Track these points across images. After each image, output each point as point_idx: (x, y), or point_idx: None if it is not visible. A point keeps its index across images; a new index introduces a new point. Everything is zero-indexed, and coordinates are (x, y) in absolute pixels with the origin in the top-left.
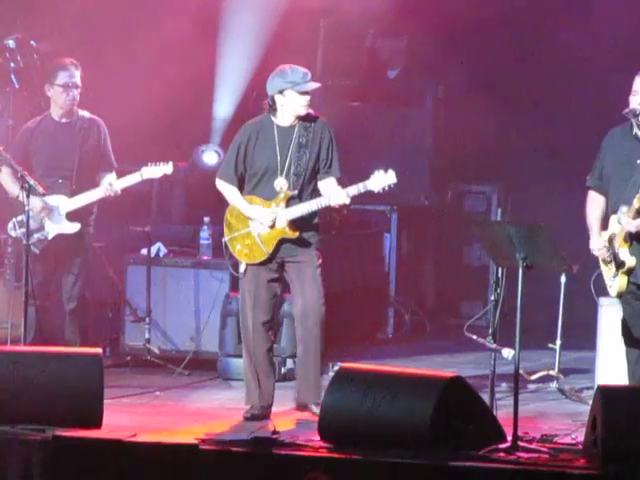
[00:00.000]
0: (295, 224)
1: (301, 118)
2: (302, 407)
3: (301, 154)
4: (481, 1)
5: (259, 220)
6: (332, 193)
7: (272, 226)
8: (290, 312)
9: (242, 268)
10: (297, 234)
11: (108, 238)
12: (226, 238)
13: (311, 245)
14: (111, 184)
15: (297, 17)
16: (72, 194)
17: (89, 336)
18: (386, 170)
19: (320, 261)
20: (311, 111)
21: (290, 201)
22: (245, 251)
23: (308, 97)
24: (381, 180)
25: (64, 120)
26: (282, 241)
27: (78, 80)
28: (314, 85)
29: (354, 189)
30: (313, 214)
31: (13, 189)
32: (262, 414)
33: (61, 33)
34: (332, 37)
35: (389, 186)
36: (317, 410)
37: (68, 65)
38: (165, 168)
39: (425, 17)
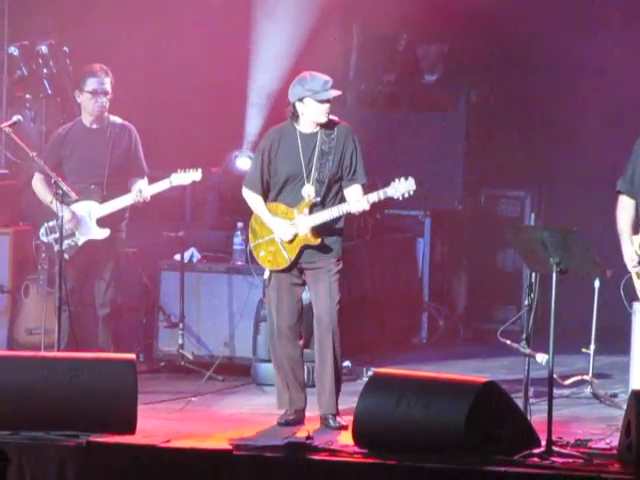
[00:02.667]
0: (318, 231)
1: (324, 125)
2: (321, 419)
3: (324, 161)
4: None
5: (280, 234)
6: (353, 200)
7: (295, 233)
8: None
9: (266, 274)
10: (319, 241)
11: (141, 244)
12: (251, 245)
13: (332, 251)
14: (141, 190)
15: (330, 23)
16: (103, 200)
17: (122, 342)
18: (406, 177)
19: (339, 268)
20: (334, 117)
21: (313, 208)
22: (269, 258)
23: (328, 105)
24: (401, 187)
25: (95, 126)
26: (304, 247)
27: (108, 86)
28: (334, 93)
29: (374, 196)
30: (336, 220)
31: (45, 195)
32: (295, 419)
33: (90, 38)
34: (365, 42)
35: (409, 193)
36: (334, 423)
37: (98, 71)
38: (194, 175)
39: (459, 22)
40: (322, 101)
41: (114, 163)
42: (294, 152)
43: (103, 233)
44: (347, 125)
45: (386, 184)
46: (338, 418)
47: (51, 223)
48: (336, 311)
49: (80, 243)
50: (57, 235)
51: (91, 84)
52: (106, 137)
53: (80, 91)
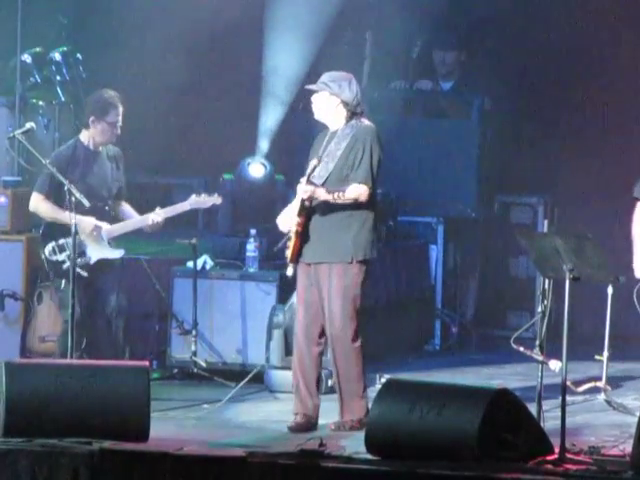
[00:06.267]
0: (318, 227)
1: (348, 122)
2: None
3: (331, 158)
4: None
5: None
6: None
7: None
8: None
9: (289, 272)
10: (307, 237)
11: (154, 251)
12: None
13: (338, 251)
14: (158, 214)
15: (344, 29)
16: (112, 222)
17: (136, 349)
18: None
19: (350, 271)
20: (364, 120)
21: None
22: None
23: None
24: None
25: (96, 149)
26: (303, 240)
27: (121, 115)
28: (309, 86)
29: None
30: (347, 221)
31: (55, 212)
32: (303, 424)
33: (103, 45)
34: (378, 49)
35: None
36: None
37: (117, 102)
38: (214, 199)
39: (473, 30)
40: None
41: (112, 186)
42: (318, 149)
43: (117, 253)
44: (371, 126)
45: (400, 193)
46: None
47: (61, 241)
48: (345, 316)
49: (92, 262)
50: (67, 252)
51: (113, 115)
52: (106, 160)
53: (98, 119)
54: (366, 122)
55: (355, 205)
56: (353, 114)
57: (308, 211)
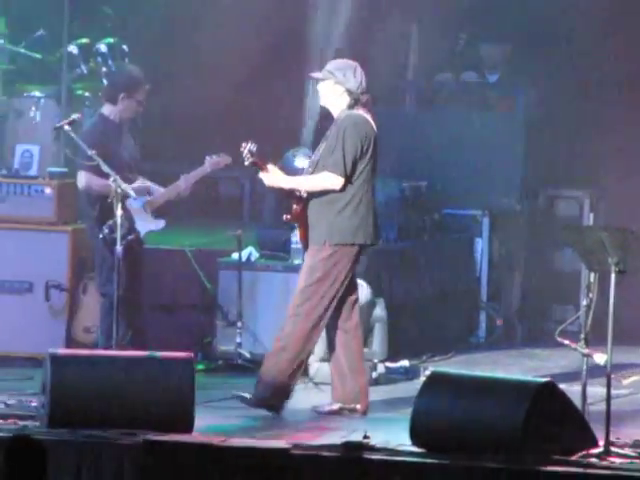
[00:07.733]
0: (307, 213)
1: (344, 110)
2: None
3: (321, 145)
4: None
5: None
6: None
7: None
8: (382, 316)
9: None
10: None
11: (199, 242)
12: None
13: (315, 235)
14: (187, 179)
15: (390, 21)
16: (150, 193)
17: (180, 340)
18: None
19: (324, 254)
20: (354, 110)
21: None
22: None
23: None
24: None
25: (121, 123)
26: (305, 227)
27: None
28: (314, 74)
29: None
30: (326, 206)
31: (109, 187)
32: (337, 410)
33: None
34: (425, 41)
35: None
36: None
37: (145, 81)
38: (225, 159)
39: (518, 23)
40: None
41: (136, 157)
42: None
43: (160, 224)
44: (354, 118)
45: (445, 186)
46: None
47: (110, 222)
48: (303, 294)
49: (142, 235)
50: (121, 231)
51: (142, 93)
52: (128, 133)
53: (128, 96)
54: (357, 112)
55: (334, 191)
56: (356, 102)
57: (301, 200)
